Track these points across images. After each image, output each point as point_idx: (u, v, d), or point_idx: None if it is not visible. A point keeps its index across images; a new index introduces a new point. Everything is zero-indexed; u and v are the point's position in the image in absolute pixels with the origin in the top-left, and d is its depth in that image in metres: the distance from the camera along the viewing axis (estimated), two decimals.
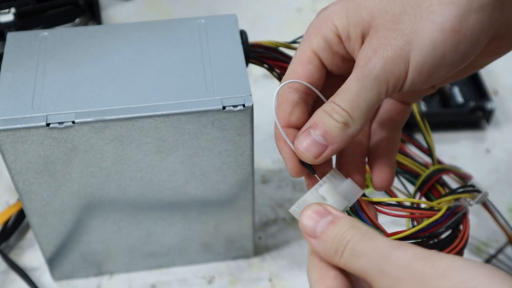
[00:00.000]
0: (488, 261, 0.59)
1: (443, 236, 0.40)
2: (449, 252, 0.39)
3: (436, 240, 0.39)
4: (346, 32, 0.39)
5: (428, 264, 0.32)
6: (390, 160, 0.44)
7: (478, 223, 0.61)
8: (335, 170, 0.41)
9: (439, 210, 0.41)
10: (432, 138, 0.53)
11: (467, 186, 0.48)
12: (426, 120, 0.70)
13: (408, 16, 0.37)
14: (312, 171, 0.40)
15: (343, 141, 0.38)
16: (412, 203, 0.47)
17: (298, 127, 0.40)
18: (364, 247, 0.35)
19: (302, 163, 0.40)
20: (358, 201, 0.41)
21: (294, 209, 0.39)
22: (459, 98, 0.69)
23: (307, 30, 0.41)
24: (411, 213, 0.41)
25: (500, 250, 0.60)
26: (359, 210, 0.40)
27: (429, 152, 0.54)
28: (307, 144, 0.38)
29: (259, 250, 0.60)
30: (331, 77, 0.42)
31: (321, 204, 0.38)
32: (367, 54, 0.37)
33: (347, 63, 0.41)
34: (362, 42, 0.39)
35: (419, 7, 0.37)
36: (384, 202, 0.41)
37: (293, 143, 0.39)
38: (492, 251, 0.59)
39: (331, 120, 0.38)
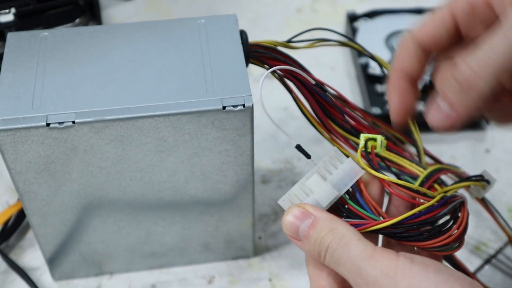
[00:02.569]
0: (488, 261, 0.59)
1: (438, 223, 0.40)
2: (445, 239, 0.39)
3: (424, 228, 0.39)
4: None
5: (392, 281, 0.34)
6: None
7: (478, 223, 0.61)
8: (335, 151, 0.41)
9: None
10: (419, 137, 0.53)
11: (477, 176, 0.49)
12: (427, 120, 0.69)
13: None
14: (307, 155, 0.41)
15: (472, 107, 0.36)
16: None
17: (412, 80, 0.40)
18: (340, 256, 0.37)
19: (297, 146, 0.41)
20: (357, 182, 0.41)
21: (281, 202, 0.40)
22: None
23: None
24: (413, 197, 0.42)
25: (500, 250, 0.60)
26: (357, 192, 0.41)
27: (424, 152, 0.54)
28: (437, 120, 0.38)
29: (259, 250, 0.60)
30: (461, 42, 0.41)
31: (300, 206, 0.39)
32: None
33: (486, 24, 0.39)
34: None
35: None
36: (392, 182, 0.41)
37: (400, 94, 0.40)
38: (491, 251, 0.60)
39: (456, 87, 0.36)
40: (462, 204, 0.42)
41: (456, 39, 0.41)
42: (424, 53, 0.41)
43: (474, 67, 0.35)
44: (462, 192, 0.53)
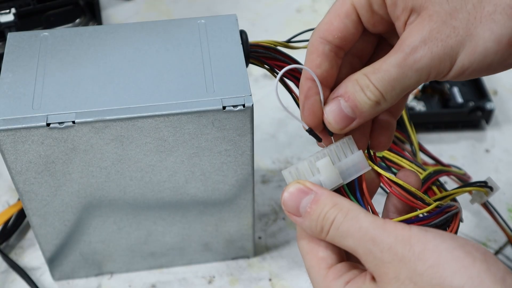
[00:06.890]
0: None
1: None
2: None
3: None
4: None
5: (407, 247, 0.34)
6: (391, 123, 0.44)
7: (477, 223, 0.61)
8: (349, 138, 0.41)
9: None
10: (415, 137, 0.53)
11: (481, 182, 0.50)
12: (427, 120, 0.70)
13: (467, 15, 0.36)
14: (318, 138, 0.40)
15: (371, 116, 0.38)
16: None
17: (324, 80, 0.40)
18: (348, 228, 0.36)
19: (308, 130, 0.40)
20: (360, 177, 0.40)
21: (286, 174, 0.39)
22: (459, 98, 0.69)
23: None
24: (410, 200, 0.41)
25: (500, 250, 0.60)
26: (357, 188, 0.40)
27: (424, 151, 0.54)
28: (335, 115, 0.39)
29: (259, 250, 0.60)
30: (366, 34, 0.41)
31: (300, 182, 0.38)
32: (415, 42, 0.36)
33: (385, 24, 0.40)
34: (409, 16, 0.37)
35: (481, 9, 0.35)
36: (393, 181, 0.41)
37: (310, 97, 0.39)
38: (491, 251, 0.60)
39: (363, 95, 0.37)
40: (456, 215, 0.42)
41: (362, 33, 0.41)
42: (334, 52, 0.40)
43: (381, 89, 0.37)
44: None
